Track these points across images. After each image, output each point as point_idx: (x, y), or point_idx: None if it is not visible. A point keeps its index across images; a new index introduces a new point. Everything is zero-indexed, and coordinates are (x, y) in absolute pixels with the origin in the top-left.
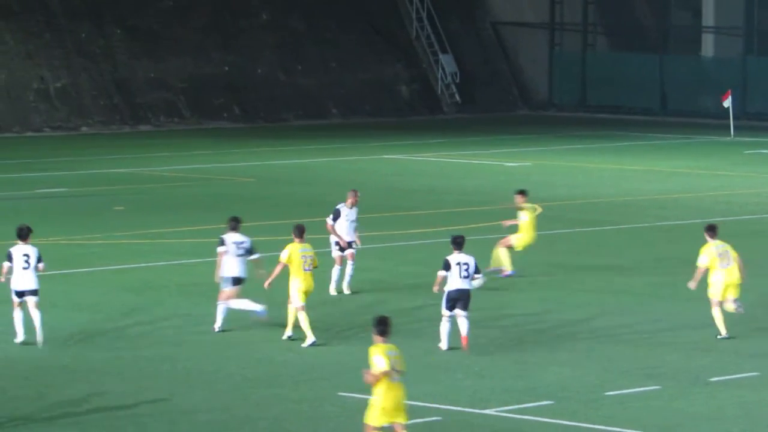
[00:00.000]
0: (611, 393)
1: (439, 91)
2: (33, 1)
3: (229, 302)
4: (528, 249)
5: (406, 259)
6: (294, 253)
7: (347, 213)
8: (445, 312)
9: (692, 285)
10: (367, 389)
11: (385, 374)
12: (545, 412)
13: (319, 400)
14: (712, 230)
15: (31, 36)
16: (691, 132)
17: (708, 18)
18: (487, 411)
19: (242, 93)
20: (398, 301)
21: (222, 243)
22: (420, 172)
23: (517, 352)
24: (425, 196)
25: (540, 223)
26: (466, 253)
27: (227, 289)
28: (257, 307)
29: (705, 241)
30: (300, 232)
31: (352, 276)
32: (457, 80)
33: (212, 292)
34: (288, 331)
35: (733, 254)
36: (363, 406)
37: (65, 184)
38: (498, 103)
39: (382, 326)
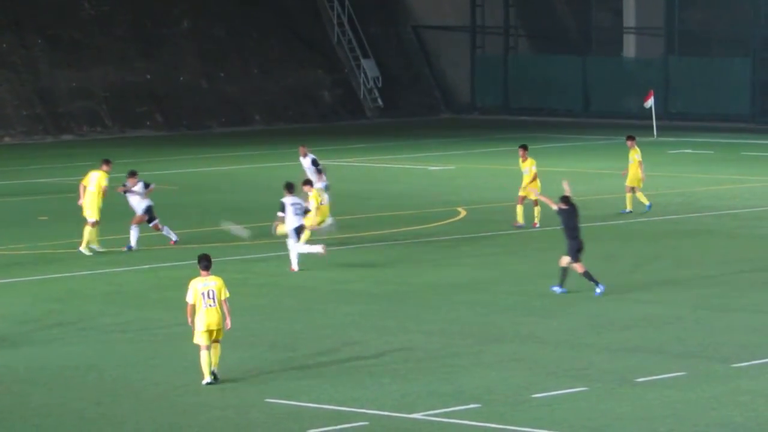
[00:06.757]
0: (538, 395)
1: (362, 96)
2: None
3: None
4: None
5: (330, 263)
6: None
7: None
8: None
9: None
10: (295, 396)
11: (193, 306)
12: (472, 416)
13: (246, 406)
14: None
15: None
16: (614, 133)
17: (629, 19)
18: (414, 415)
19: (165, 101)
20: (323, 307)
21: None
22: (344, 177)
23: (442, 356)
24: (349, 201)
25: (466, 225)
26: None
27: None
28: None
29: None
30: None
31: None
32: (380, 85)
33: (136, 300)
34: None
35: None
36: (290, 412)
37: None
38: (421, 107)
39: (204, 262)
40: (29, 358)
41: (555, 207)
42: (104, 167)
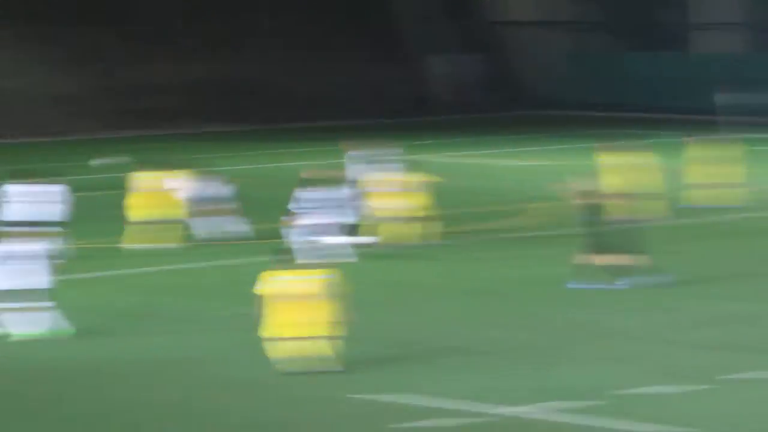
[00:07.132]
0: (641, 391)
1: (432, 91)
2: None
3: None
4: None
5: (429, 258)
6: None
7: None
8: None
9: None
10: (376, 389)
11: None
12: (580, 411)
13: (331, 401)
14: None
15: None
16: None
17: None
18: (519, 408)
19: (238, 96)
20: (423, 302)
21: None
22: (452, 174)
23: (540, 352)
24: (456, 196)
25: (561, 220)
26: None
27: None
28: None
29: None
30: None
31: None
32: (452, 80)
33: (218, 294)
34: None
35: None
36: (374, 408)
37: None
38: (495, 103)
39: (285, 256)
40: (119, 351)
41: (577, 202)
42: (154, 167)
